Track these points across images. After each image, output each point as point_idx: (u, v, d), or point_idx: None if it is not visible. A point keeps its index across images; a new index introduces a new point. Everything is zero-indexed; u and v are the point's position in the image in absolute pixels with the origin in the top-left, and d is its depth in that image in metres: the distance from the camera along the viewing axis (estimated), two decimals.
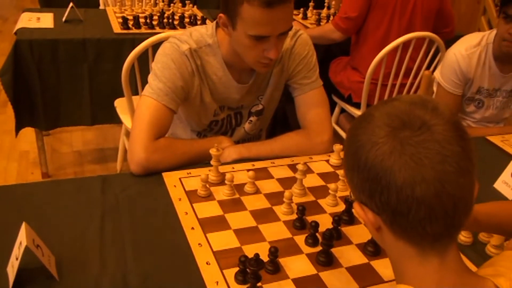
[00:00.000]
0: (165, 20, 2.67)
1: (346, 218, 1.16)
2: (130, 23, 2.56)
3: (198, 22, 2.75)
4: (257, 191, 1.25)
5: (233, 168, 1.34)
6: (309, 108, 1.47)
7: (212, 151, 1.25)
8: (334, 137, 1.50)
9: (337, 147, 1.39)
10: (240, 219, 1.14)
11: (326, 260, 1.02)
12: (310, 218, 1.14)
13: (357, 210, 0.71)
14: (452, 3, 3.26)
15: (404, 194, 0.63)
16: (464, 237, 1.11)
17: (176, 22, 2.69)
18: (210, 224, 1.11)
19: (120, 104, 2.31)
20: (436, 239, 0.66)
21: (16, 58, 2.27)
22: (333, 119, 2.77)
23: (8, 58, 2.25)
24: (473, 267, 0.99)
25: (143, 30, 2.56)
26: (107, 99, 2.43)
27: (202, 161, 1.34)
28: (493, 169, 1.38)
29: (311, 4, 3.21)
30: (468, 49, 1.95)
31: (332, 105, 2.56)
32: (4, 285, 0.89)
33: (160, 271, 0.97)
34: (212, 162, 1.26)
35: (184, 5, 2.98)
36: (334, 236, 1.05)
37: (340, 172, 1.31)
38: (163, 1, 2.98)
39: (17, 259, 0.87)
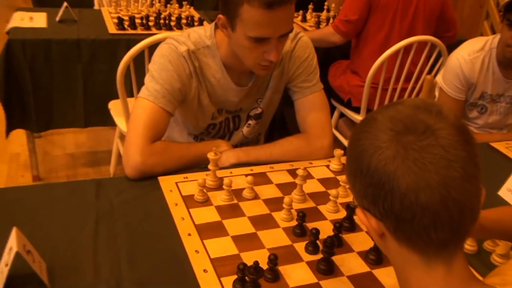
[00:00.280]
0: (162, 21, 2.65)
1: (347, 225, 1.14)
2: (126, 23, 2.54)
3: (195, 23, 2.74)
4: (256, 197, 1.23)
5: (231, 172, 1.32)
6: (309, 112, 1.46)
7: (210, 155, 1.23)
8: (334, 142, 1.48)
9: (338, 152, 1.38)
10: (239, 225, 1.12)
11: (326, 268, 1.00)
12: (310, 225, 1.12)
13: (360, 216, 0.70)
14: (455, 7, 3.26)
15: (408, 200, 0.62)
16: (468, 245, 1.09)
17: (173, 23, 2.67)
18: (208, 230, 1.09)
19: (114, 106, 2.29)
20: (442, 246, 0.65)
21: (8, 58, 2.24)
22: (332, 123, 2.75)
23: (0, 58, 2.22)
24: (477, 277, 0.97)
25: (139, 31, 2.54)
26: (101, 101, 2.40)
27: (199, 165, 1.32)
28: (497, 176, 1.36)
29: (310, 6, 3.18)
30: (471, 54, 1.93)
31: (331, 109, 2.54)
32: None
33: (156, 278, 0.95)
34: (209, 167, 1.24)
35: (181, 6, 2.96)
36: (335, 244, 1.03)
37: (341, 178, 1.29)
38: (159, 2, 2.97)
39: (6, 265, 0.85)
